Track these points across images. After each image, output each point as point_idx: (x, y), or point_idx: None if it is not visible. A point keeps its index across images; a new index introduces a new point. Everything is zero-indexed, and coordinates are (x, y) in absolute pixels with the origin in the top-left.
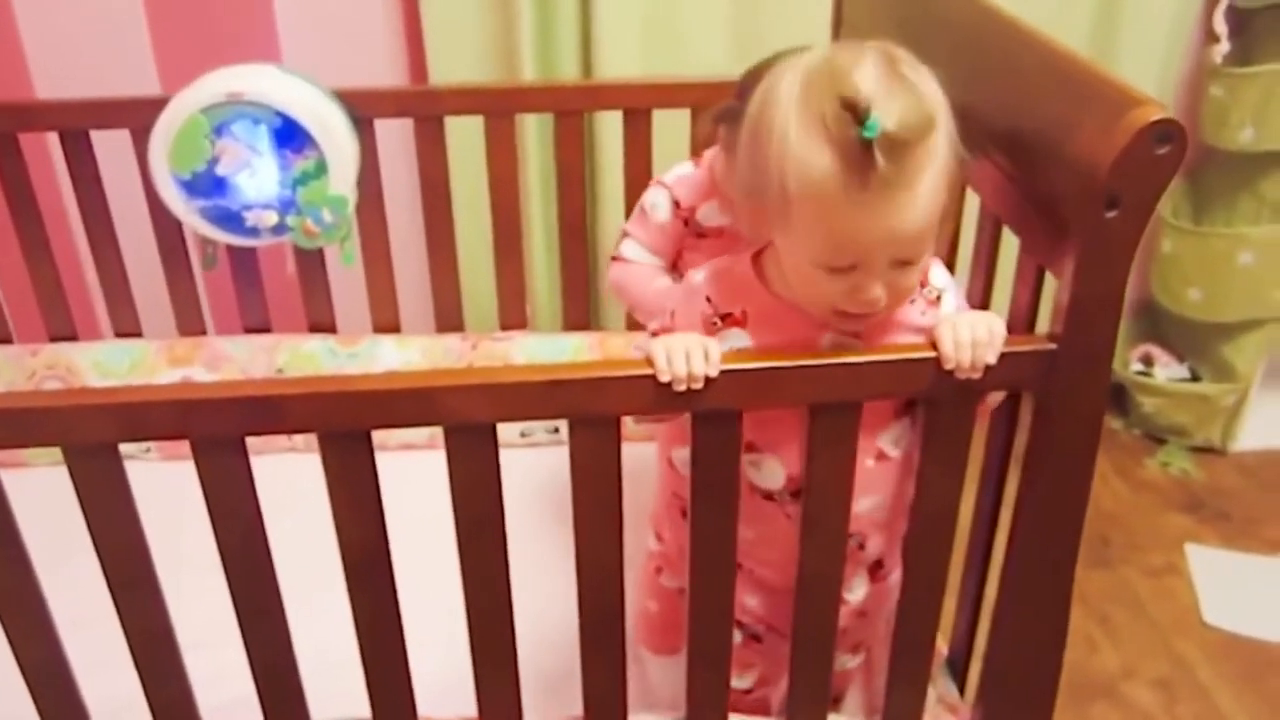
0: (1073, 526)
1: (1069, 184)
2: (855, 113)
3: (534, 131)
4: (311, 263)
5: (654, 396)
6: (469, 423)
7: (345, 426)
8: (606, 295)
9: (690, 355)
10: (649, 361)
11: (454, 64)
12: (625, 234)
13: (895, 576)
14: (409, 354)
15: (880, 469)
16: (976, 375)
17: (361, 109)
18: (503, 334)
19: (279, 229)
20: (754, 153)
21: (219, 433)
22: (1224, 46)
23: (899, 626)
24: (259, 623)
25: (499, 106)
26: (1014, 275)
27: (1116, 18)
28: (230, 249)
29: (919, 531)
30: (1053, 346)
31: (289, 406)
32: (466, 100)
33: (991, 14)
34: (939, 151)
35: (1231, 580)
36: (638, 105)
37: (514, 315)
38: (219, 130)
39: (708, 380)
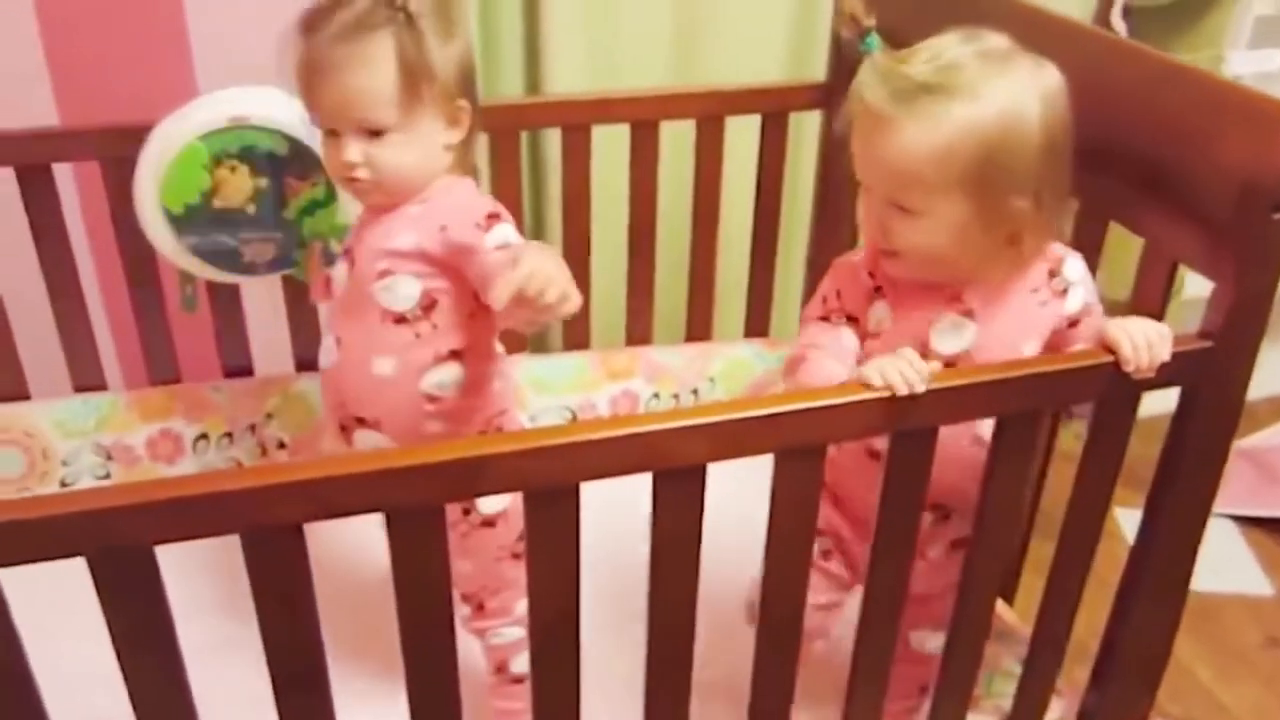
0: (1204, 510)
1: (1222, 188)
2: (858, 27)
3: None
4: (299, 297)
5: (864, 421)
6: (685, 466)
7: (553, 482)
8: (602, 312)
9: (903, 370)
10: (865, 385)
11: None
12: None
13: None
14: None
15: (974, 452)
16: (1151, 374)
17: None
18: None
19: (276, 263)
20: None
21: (415, 502)
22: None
23: (1040, 623)
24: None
25: (501, 124)
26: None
27: None
28: (210, 285)
29: (1071, 532)
30: (1209, 344)
31: (494, 466)
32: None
33: (1057, 20)
34: (946, 126)
35: None
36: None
37: (511, 339)
38: (217, 159)
39: (914, 396)
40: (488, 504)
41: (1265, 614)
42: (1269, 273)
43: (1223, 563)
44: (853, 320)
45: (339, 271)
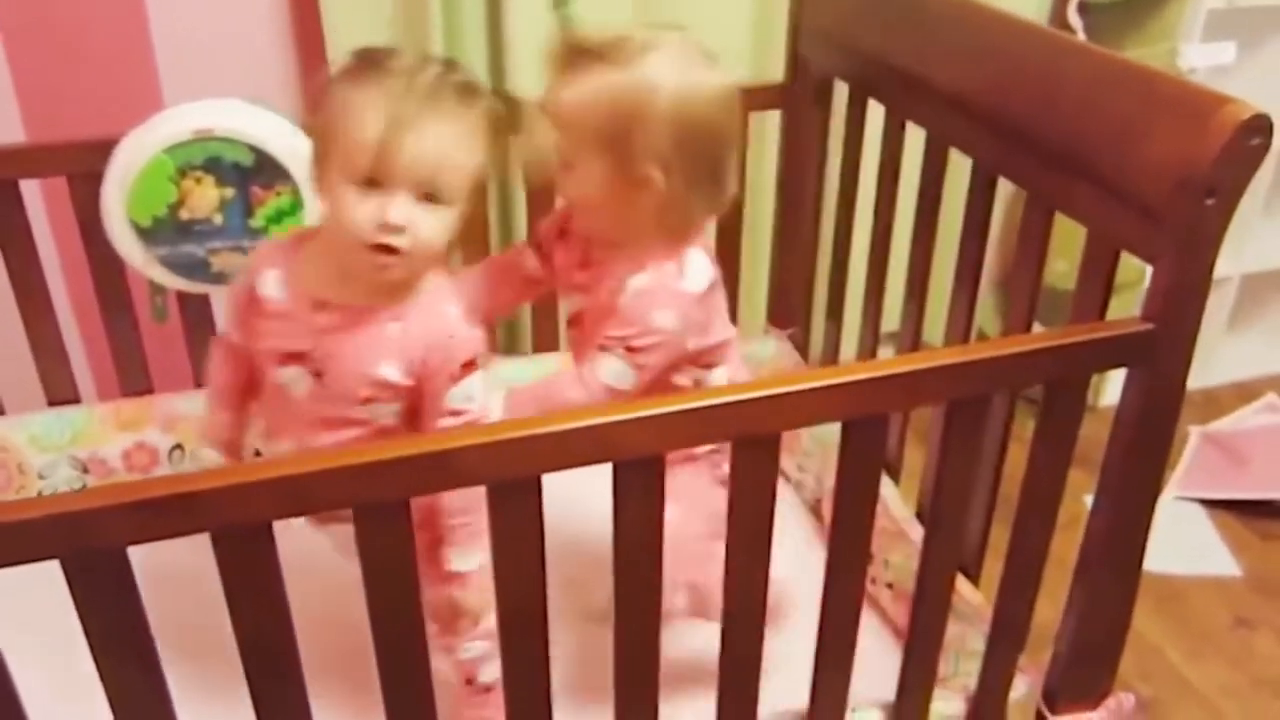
0: (1153, 490)
1: (1159, 177)
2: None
3: None
4: None
5: (817, 408)
6: (642, 456)
7: (517, 473)
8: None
9: None
10: None
11: None
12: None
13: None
14: None
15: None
16: None
17: None
18: None
19: None
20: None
21: (385, 497)
22: (1080, 38)
23: (999, 602)
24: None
25: None
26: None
27: None
28: (181, 296)
29: (1026, 512)
30: (1150, 326)
31: (459, 459)
32: None
33: (1007, 20)
34: (586, 89)
35: None
36: None
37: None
38: (183, 171)
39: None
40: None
41: (1233, 595)
42: (1204, 256)
43: (1191, 545)
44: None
45: (288, 376)
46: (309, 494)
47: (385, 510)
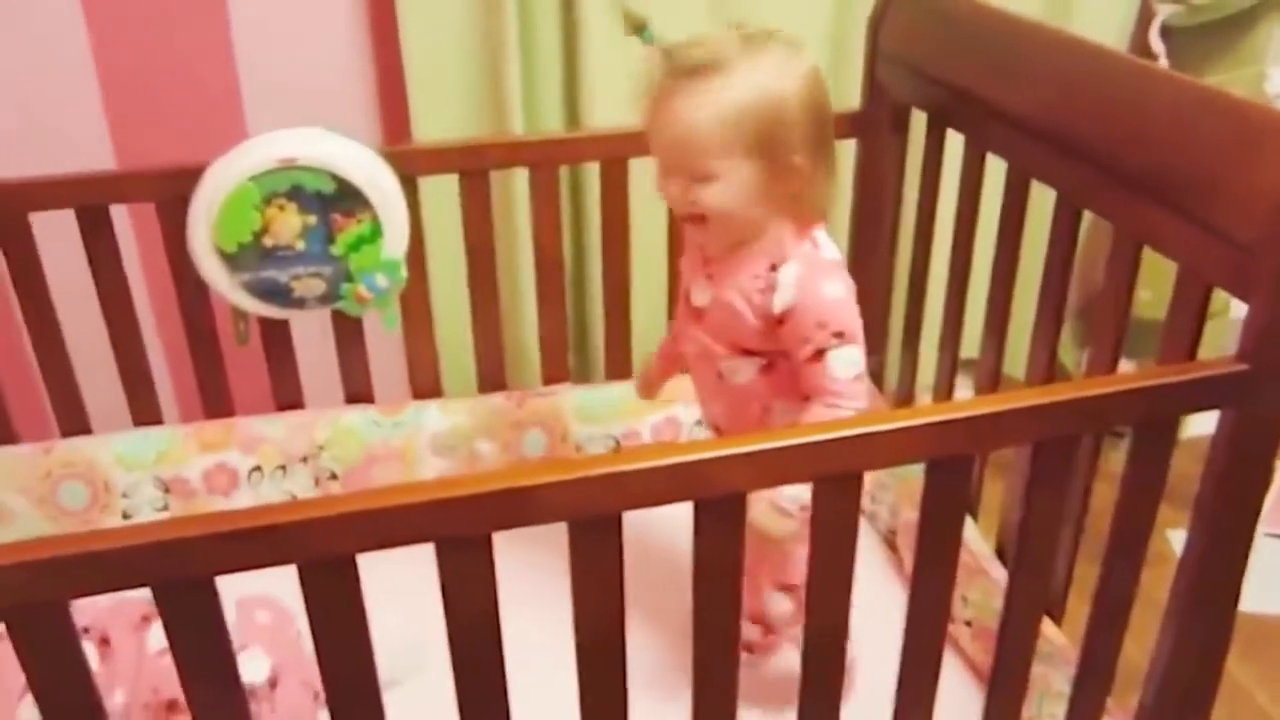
0: (1248, 532)
1: (1255, 211)
2: (635, 23)
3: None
4: (349, 331)
5: (901, 449)
6: (728, 494)
7: (599, 511)
8: (644, 343)
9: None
10: None
11: (438, 121)
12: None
13: None
14: (456, 418)
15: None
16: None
17: (406, 168)
18: (547, 389)
19: (326, 298)
20: None
21: (466, 533)
22: (1163, 63)
23: (1086, 643)
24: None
25: (544, 158)
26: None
27: None
28: (262, 321)
29: (1114, 554)
30: (1245, 367)
31: (541, 496)
32: (511, 154)
33: (1090, 48)
34: (715, 97)
35: None
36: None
37: (556, 369)
38: (267, 198)
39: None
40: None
41: None
42: None
43: None
44: None
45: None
46: (391, 528)
47: (466, 544)
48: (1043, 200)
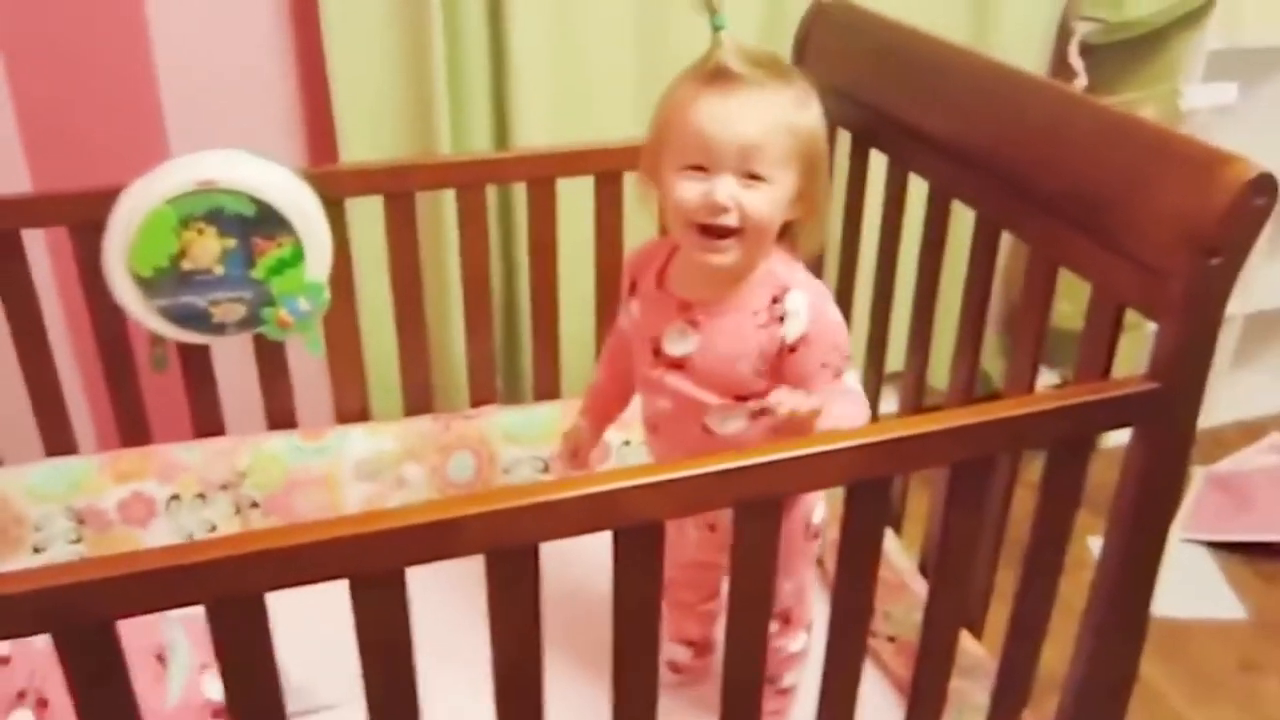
0: (1159, 542)
1: (1163, 235)
2: (709, 8)
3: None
4: (271, 355)
5: (821, 473)
6: (646, 522)
7: (516, 542)
8: (571, 361)
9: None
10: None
11: (365, 142)
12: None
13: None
14: (381, 442)
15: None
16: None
17: (331, 190)
18: (474, 411)
19: (247, 323)
20: (652, 120)
21: (381, 568)
22: (1082, 80)
23: (1005, 655)
24: None
25: (470, 179)
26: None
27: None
28: (181, 346)
29: (1031, 570)
30: (1156, 385)
31: (458, 529)
32: (438, 175)
33: (1009, 72)
34: (787, 105)
35: None
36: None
37: (483, 391)
38: (185, 222)
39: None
40: None
41: (1239, 639)
42: (1210, 316)
43: (1196, 588)
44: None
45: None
46: (304, 565)
47: (381, 580)
48: (966, 219)
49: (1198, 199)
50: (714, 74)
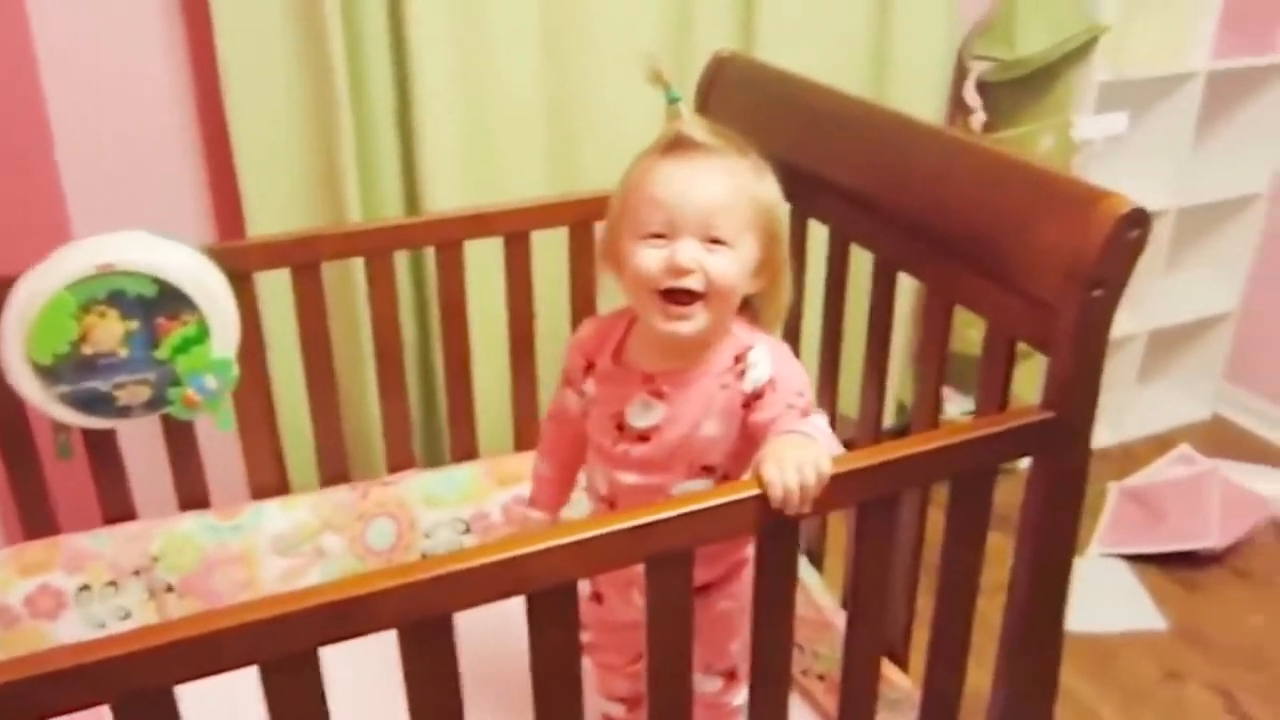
0: (1065, 562)
1: (1047, 270)
2: (662, 82)
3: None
4: (181, 435)
5: (730, 523)
6: (555, 585)
7: (428, 615)
8: (488, 420)
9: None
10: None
11: (274, 214)
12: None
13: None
14: (298, 515)
15: None
16: (806, 510)
17: (237, 264)
18: (392, 476)
19: (153, 404)
20: (610, 200)
21: (294, 649)
22: (980, 115)
23: (927, 688)
24: None
25: (377, 246)
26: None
27: (881, 95)
28: (86, 431)
29: (945, 599)
30: (1050, 415)
31: (366, 606)
32: (345, 244)
33: (898, 120)
34: (746, 173)
35: None
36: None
37: (401, 455)
38: (86, 306)
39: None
40: None
41: (1161, 649)
42: (1096, 345)
43: (1117, 601)
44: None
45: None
46: (215, 653)
47: (293, 663)
48: (869, 261)
49: (1077, 235)
50: (674, 143)
